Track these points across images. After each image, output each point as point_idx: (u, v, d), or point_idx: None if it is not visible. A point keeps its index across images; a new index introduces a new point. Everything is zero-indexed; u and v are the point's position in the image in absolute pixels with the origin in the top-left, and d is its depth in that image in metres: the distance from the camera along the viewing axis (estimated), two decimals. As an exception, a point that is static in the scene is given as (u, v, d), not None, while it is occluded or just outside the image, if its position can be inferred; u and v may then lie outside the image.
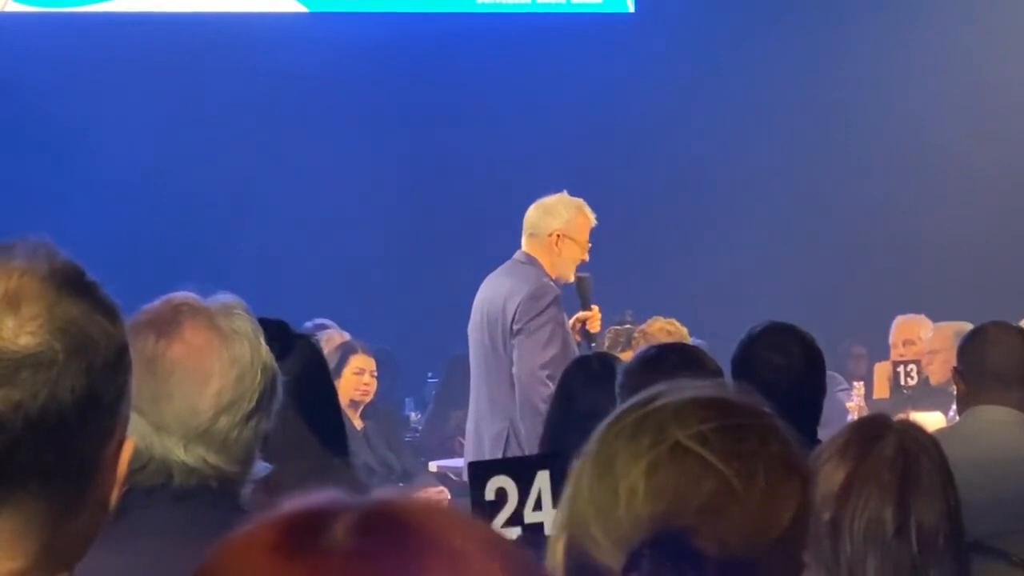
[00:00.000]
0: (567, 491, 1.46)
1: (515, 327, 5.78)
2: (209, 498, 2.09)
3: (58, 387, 1.31)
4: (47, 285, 1.34)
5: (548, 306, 5.77)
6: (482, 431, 5.92)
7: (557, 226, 5.94)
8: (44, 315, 1.32)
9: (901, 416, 2.71)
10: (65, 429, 1.32)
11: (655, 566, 1.34)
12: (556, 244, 5.93)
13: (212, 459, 2.09)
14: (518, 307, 5.77)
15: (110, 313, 1.38)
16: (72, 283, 1.36)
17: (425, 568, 0.79)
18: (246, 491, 2.16)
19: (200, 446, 2.09)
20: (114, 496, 1.40)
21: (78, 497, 1.35)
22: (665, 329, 6.11)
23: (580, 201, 6.06)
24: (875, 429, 2.41)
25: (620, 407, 1.49)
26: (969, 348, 4.15)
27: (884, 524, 2.28)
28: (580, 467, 1.46)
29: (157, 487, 2.07)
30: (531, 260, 5.94)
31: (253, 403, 2.14)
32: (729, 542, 1.37)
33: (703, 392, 1.49)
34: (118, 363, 1.37)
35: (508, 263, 6.03)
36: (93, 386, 1.33)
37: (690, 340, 5.85)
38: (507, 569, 0.82)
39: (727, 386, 1.52)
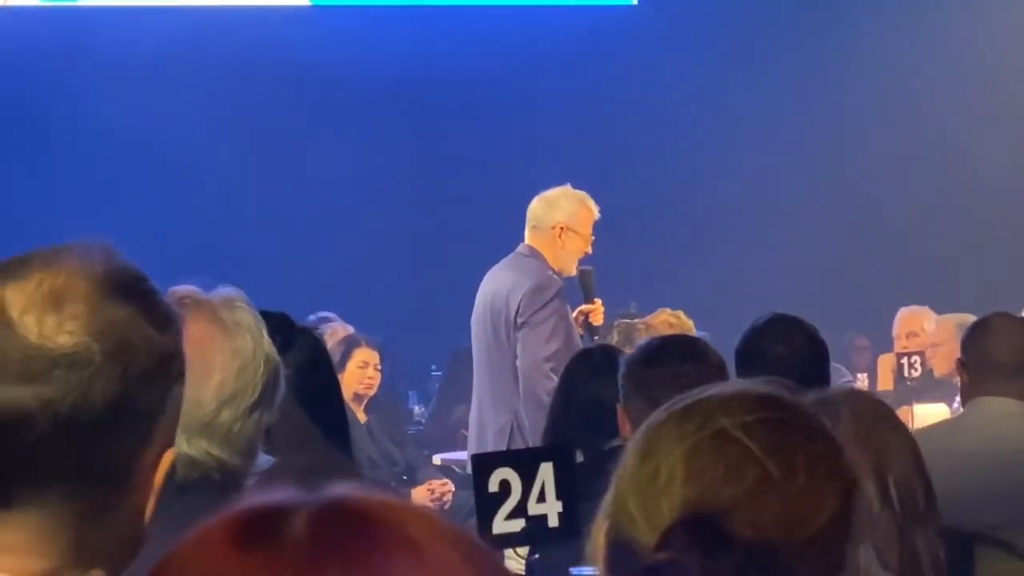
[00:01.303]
0: (614, 477, 1.48)
1: (519, 320, 5.78)
2: (212, 491, 2.08)
3: (91, 389, 1.30)
4: (95, 287, 1.34)
5: (551, 299, 5.77)
6: (485, 424, 5.93)
7: (560, 219, 5.94)
8: (85, 315, 1.32)
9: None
10: (94, 432, 1.31)
11: (686, 546, 1.35)
12: (559, 237, 5.93)
13: (215, 451, 2.09)
14: (521, 300, 5.77)
15: (161, 322, 1.37)
16: (123, 287, 1.35)
17: (384, 558, 0.79)
18: (249, 483, 2.16)
19: (203, 438, 2.08)
20: (151, 504, 1.39)
21: (107, 501, 1.34)
22: (667, 321, 6.11)
23: (583, 194, 6.06)
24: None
25: (673, 397, 1.52)
26: (972, 339, 4.14)
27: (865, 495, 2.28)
28: (626, 451, 1.48)
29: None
30: (534, 253, 5.94)
31: (255, 396, 2.13)
32: (762, 531, 1.38)
33: (754, 387, 1.50)
34: (159, 372, 1.36)
35: (511, 256, 6.03)
36: (128, 392, 1.32)
37: (694, 332, 5.85)
38: (467, 558, 0.82)
39: (780, 384, 1.53)
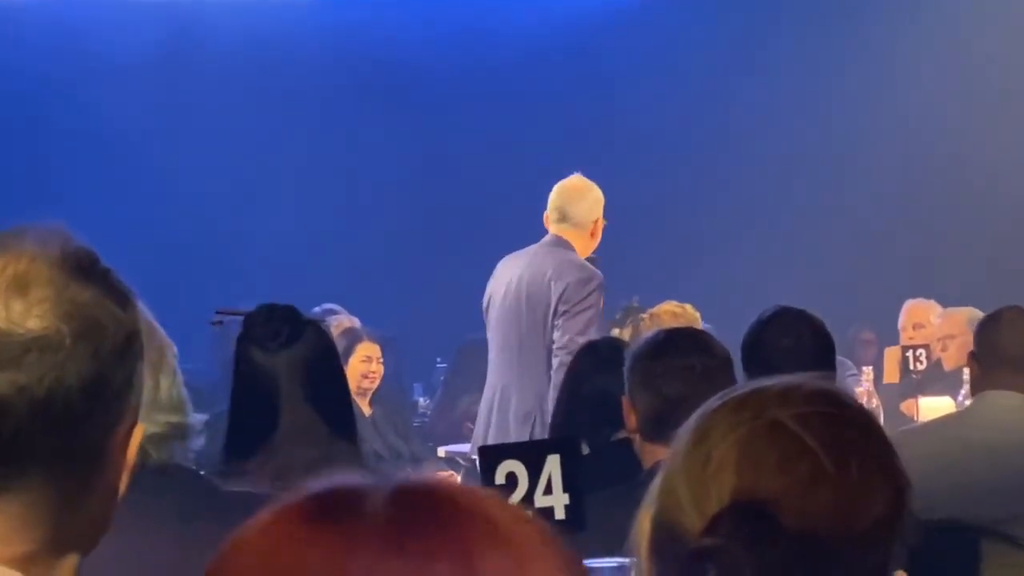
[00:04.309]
0: (665, 461, 1.48)
1: (561, 307, 5.83)
2: (186, 477, 2.18)
3: (64, 371, 1.30)
4: (57, 269, 1.34)
5: (594, 291, 5.87)
6: (508, 410, 5.93)
7: (599, 213, 6.05)
8: (53, 299, 1.32)
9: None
10: (71, 414, 1.31)
11: (733, 533, 1.35)
12: (597, 229, 6.03)
13: (174, 420, 2.19)
14: (567, 288, 5.83)
15: (121, 299, 1.37)
16: (83, 268, 1.36)
17: (462, 534, 0.80)
18: (198, 443, 2.28)
19: (158, 413, 2.15)
20: (123, 483, 1.40)
21: (85, 483, 1.34)
22: (672, 311, 6.09)
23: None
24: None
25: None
26: (983, 332, 4.13)
27: None
28: (679, 436, 1.47)
29: (136, 468, 2.11)
30: (566, 243, 5.98)
31: (162, 357, 2.20)
32: (811, 523, 1.37)
33: (813, 382, 1.50)
34: (127, 349, 1.36)
35: (544, 245, 6.02)
36: (100, 371, 1.32)
37: (700, 324, 5.85)
38: (541, 533, 0.83)
39: (837, 382, 1.54)
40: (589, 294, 5.84)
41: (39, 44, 9.95)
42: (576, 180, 6.11)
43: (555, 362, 5.79)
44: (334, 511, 0.81)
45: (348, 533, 0.79)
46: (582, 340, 5.64)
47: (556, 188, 6.09)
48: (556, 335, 5.84)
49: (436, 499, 0.81)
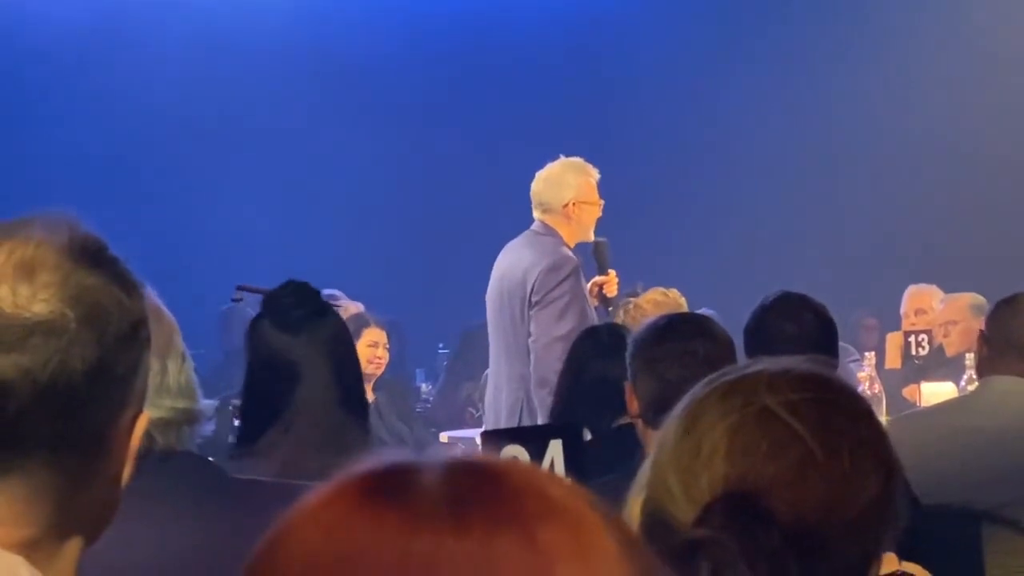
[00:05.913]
0: (653, 449, 1.47)
1: (533, 299, 5.77)
2: (192, 463, 2.18)
3: (69, 355, 1.31)
4: (64, 255, 1.35)
5: (566, 278, 5.76)
6: (500, 401, 5.93)
7: (570, 196, 5.92)
8: (58, 284, 1.33)
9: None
10: (74, 398, 1.32)
11: (725, 523, 1.35)
12: (572, 213, 5.93)
13: (181, 405, 2.17)
14: (537, 279, 5.77)
15: (128, 286, 1.38)
16: (90, 255, 1.36)
17: (520, 508, 0.79)
18: (208, 428, 2.25)
19: (165, 398, 2.14)
20: (127, 469, 1.40)
21: (88, 468, 1.35)
22: (655, 300, 6.03)
23: (580, 162, 6.04)
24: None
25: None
26: (998, 314, 4.10)
27: None
28: (667, 424, 1.47)
29: (142, 453, 2.13)
30: (549, 231, 5.92)
31: (172, 343, 2.21)
32: (803, 512, 1.37)
33: (802, 366, 1.48)
34: (133, 336, 1.37)
35: (527, 234, 6.01)
36: (105, 357, 1.33)
37: (684, 308, 5.83)
38: (592, 503, 0.83)
39: (830, 364, 1.51)
40: (560, 282, 5.74)
41: (52, 30, 9.96)
42: (551, 165, 6.03)
43: (532, 358, 5.77)
44: (392, 490, 0.79)
45: (408, 513, 0.77)
46: (562, 330, 5.62)
47: (536, 176, 6.07)
48: (532, 327, 5.78)
49: (491, 474, 0.80)
